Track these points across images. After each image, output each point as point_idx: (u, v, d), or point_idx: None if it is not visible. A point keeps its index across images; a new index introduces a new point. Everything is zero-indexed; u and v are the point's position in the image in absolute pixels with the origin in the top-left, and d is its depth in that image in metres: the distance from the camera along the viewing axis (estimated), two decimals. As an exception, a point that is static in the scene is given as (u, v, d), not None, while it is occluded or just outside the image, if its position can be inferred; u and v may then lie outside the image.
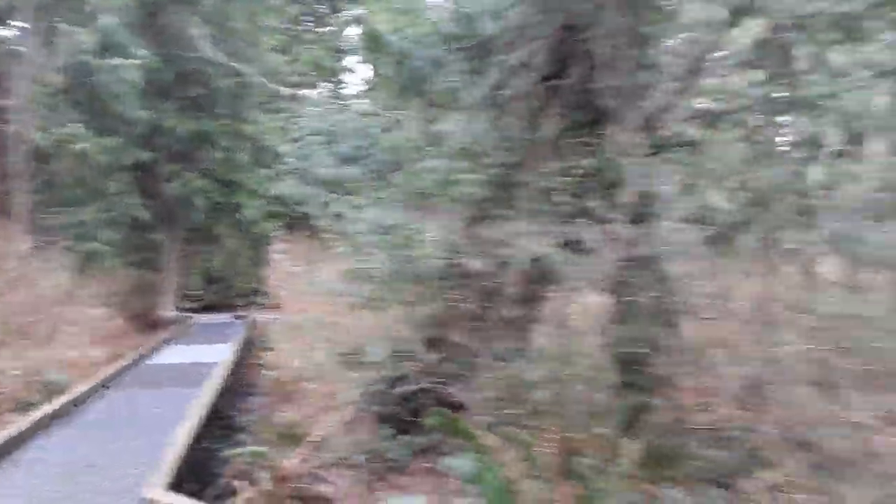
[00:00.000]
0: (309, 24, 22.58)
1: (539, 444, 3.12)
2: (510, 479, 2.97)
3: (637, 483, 3.03)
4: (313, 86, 20.54)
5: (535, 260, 3.99)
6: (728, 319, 4.90)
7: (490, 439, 3.18)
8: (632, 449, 3.05)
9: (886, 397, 3.53)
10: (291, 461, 4.79)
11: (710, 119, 6.98)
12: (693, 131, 6.27)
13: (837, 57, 9.04)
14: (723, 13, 6.92)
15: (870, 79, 10.54)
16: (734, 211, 5.55)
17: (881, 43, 9.54)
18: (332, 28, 20.95)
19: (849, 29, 8.12)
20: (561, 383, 3.63)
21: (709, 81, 8.35)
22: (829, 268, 6.22)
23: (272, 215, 17.60)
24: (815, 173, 11.27)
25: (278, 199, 13.95)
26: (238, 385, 9.82)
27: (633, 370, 4.30)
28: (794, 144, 11.01)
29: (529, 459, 2.99)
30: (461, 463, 3.17)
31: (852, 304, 4.20)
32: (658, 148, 5.23)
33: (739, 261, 5.22)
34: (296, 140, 7.95)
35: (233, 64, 13.74)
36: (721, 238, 5.54)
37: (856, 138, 10.71)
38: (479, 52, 5.33)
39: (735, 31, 8.61)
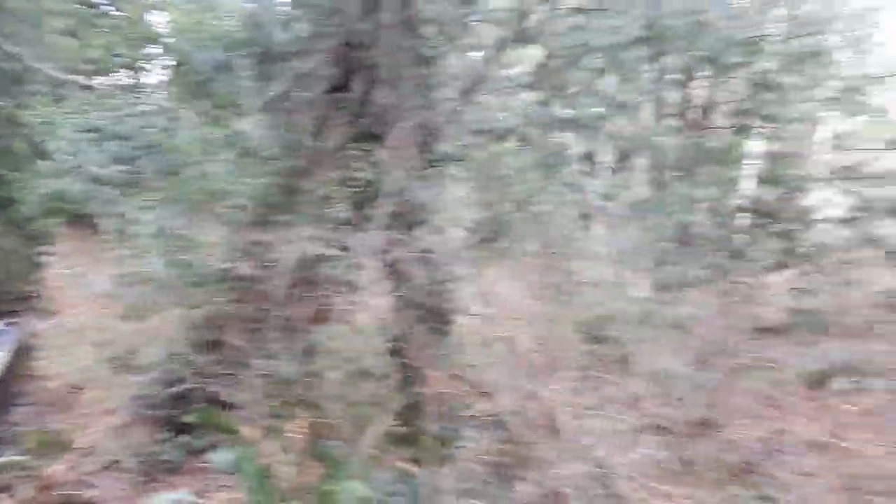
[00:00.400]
0: (105, 7, 20.98)
1: (296, 433, 3.39)
2: (267, 466, 3.20)
3: (383, 463, 3.39)
4: (108, 74, 19.14)
5: (308, 263, 4.25)
6: (493, 317, 5.46)
7: (251, 432, 3.39)
8: (379, 433, 3.42)
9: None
10: (57, 469, 4.63)
11: (488, 135, 7.68)
12: (469, 146, 6.88)
13: (607, 83, 10.28)
14: (502, 39, 7.65)
15: (635, 102, 12.08)
16: (502, 218, 6.19)
17: (644, 72, 11.00)
18: (127, 15, 19.67)
19: (613, 59, 9.32)
20: (325, 377, 3.93)
21: (490, 100, 9.15)
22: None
23: (53, 212, 16.11)
24: (592, 185, 12.66)
25: (61, 196, 12.89)
26: (5, 396, 9.02)
27: (405, 365, 4.71)
28: (574, 159, 12.29)
29: (284, 447, 3.26)
30: (222, 456, 3.34)
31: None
32: (434, 161, 5.71)
33: (505, 263, 5.82)
34: (77, 133, 7.51)
35: (5, 45, 12.49)
36: (490, 242, 6.16)
37: (624, 155, 12.20)
38: (266, 58, 5.47)
39: (516, 56, 9.50)
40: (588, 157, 11.44)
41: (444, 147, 6.18)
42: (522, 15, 8.03)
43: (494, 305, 5.16)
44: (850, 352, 8.20)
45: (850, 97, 11.62)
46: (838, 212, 11.26)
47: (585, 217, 10.40)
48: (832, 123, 12.51)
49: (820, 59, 12.26)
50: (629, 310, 6.23)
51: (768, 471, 4.90)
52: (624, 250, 10.27)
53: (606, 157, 11.45)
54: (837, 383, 7.28)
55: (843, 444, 5.44)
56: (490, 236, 5.85)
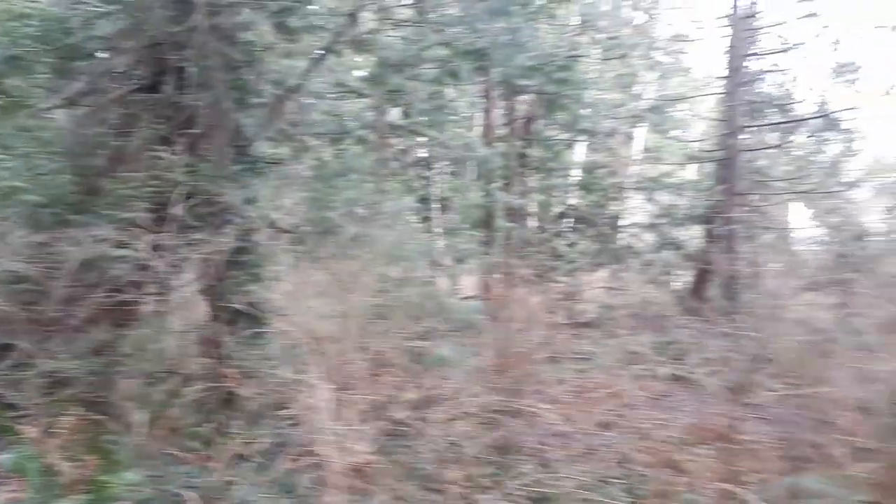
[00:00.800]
0: None
1: (80, 430, 3.40)
2: (50, 462, 3.20)
3: (177, 458, 3.51)
4: None
5: (103, 263, 4.21)
6: (305, 315, 5.60)
7: (34, 431, 3.35)
8: (173, 428, 3.52)
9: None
10: None
11: (310, 137, 7.85)
12: (291, 148, 7.00)
13: (437, 93, 10.74)
14: (330, 44, 7.82)
15: (464, 112, 12.64)
16: (320, 218, 6.36)
17: (471, 85, 11.59)
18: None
19: (441, 71, 9.79)
20: (118, 375, 3.95)
21: (319, 104, 9.31)
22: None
23: None
24: (420, 189, 13.07)
25: None
26: None
27: (210, 363, 4.77)
28: (411, 163, 12.71)
29: (67, 444, 3.27)
30: (4, 457, 3.29)
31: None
32: (249, 162, 5.79)
33: (322, 262, 5.98)
34: None
35: None
36: (307, 242, 6.31)
37: (458, 162, 12.74)
38: (68, 53, 5.31)
39: (349, 62, 9.71)
40: (420, 163, 11.93)
41: (260, 149, 6.26)
42: (351, 22, 8.26)
43: (307, 304, 5.34)
44: (648, 343, 9.07)
45: (655, 115, 12.92)
46: (644, 218, 12.52)
47: (412, 218, 10.83)
48: (642, 138, 13.84)
49: (631, 80, 13.56)
50: (443, 307, 6.63)
51: (558, 450, 5.39)
52: (448, 251, 10.83)
53: (438, 163, 11.97)
54: (634, 370, 8.03)
55: (627, 422, 6.06)
56: (308, 236, 6.02)
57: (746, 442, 5.23)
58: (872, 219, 9.65)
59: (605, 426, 6.02)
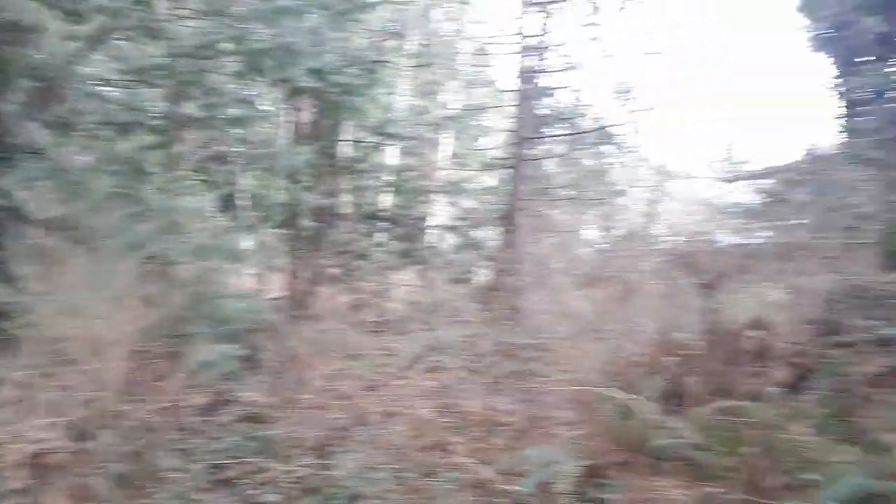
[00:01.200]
0: None
1: None
2: None
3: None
4: None
5: None
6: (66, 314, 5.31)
7: None
8: None
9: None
10: None
11: (90, 126, 7.38)
12: (62, 137, 6.53)
13: (241, 87, 10.48)
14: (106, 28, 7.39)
15: (269, 112, 12.47)
16: (81, 213, 6.00)
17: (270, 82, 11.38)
18: None
19: (246, 67, 9.60)
20: None
21: (105, 91, 8.78)
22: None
23: None
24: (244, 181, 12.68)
25: None
26: None
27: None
28: (211, 158, 12.24)
29: None
30: None
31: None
32: (2, 151, 5.37)
33: (82, 259, 5.68)
34: None
35: None
36: (66, 238, 5.94)
37: (263, 159, 12.46)
38: None
39: (144, 49, 9.22)
40: (221, 158, 11.57)
41: (26, 136, 5.83)
42: (139, 6, 7.86)
43: (62, 303, 5.07)
44: (442, 337, 9.53)
45: (457, 124, 13.58)
46: (447, 220, 13.15)
47: (212, 215, 10.53)
48: (449, 144, 14.49)
49: (436, 88, 14.14)
50: (224, 306, 6.55)
51: (338, 442, 5.55)
52: (252, 249, 10.67)
53: (242, 159, 11.67)
54: (425, 363, 8.39)
55: (410, 412, 6.35)
56: (73, 232, 5.70)
57: (505, 423, 5.74)
58: (638, 222, 10.85)
59: (390, 416, 6.30)
